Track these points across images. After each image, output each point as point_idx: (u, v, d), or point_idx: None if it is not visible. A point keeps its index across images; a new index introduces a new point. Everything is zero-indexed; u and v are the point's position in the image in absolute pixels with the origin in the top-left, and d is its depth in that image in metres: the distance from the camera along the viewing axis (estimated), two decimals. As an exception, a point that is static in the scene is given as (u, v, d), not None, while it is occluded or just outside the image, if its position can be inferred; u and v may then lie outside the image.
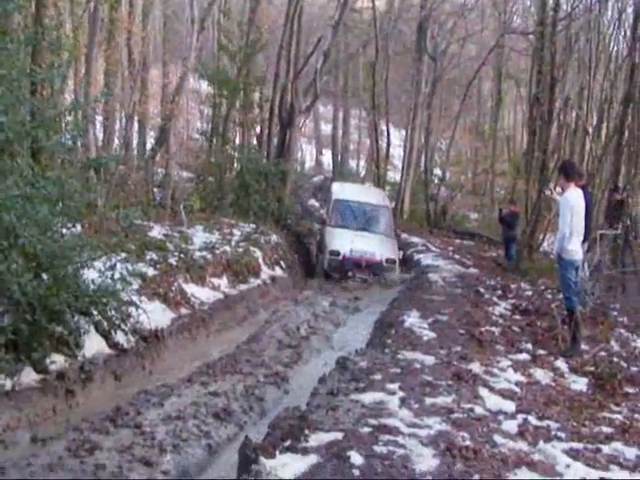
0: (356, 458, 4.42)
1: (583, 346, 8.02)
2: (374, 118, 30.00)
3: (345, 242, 15.91)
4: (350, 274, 15.54)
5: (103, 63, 20.95)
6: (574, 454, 4.89)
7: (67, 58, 16.65)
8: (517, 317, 9.74)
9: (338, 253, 15.76)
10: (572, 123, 21.21)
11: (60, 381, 6.32)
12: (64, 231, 7.54)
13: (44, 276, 6.73)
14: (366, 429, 4.97)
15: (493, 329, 8.83)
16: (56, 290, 6.68)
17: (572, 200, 7.96)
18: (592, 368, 7.17)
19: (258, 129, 24.40)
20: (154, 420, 5.71)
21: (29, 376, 6.10)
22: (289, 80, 21.07)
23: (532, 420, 5.53)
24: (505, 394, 6.17)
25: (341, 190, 19.10)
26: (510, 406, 5.83)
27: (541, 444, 4.98)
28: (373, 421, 5.14)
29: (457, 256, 17.50)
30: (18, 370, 5.98)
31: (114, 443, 5.19)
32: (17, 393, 5.84)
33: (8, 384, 5.82)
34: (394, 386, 6.02)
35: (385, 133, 31.11)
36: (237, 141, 24.94)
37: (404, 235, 21.15)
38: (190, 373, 7.34)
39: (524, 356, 7.67)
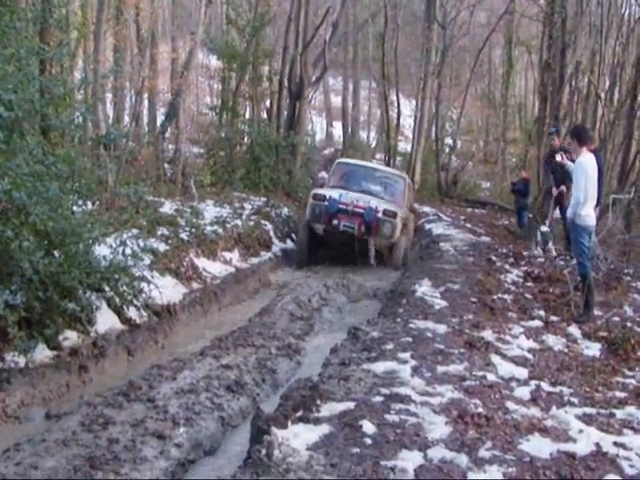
0: (368, 427, 4.45)
1: (596, 311, 7.99)
2: (384, 88, 29.74)
3: (337, 191, 13.32)
4: (335, 222, 12.66)
5: (111, 40, 20.91)
6: (587, 419, 4.89)
7: (75, 36, 16.65)
8: (529, 284, 9.69)
9: (323, 197, 12.98)
10: (584, 88, 20.94)
11: (73, 357, 6.36)
12: (75, 208, 7.58)
13: (56, 253, 6.76)
14: (378, 398, 4.99)
15: (505, 297, 8.80)
16: (68, 267, 6.70)
17: (586, 165, 7.87)
18: (605, 333, 7.15)
19: (268, 102, 24.30)
20: (167, 394, 5.74)
21: (42, 353, 6.15)
22: (298, 52, 20.90)
23: (545, 386, 5.53)
24: (517, 361, 6.17)
25: (347, 159, 17.03)
26: (522, 373, 5.83)
27: (554, 410, 4.98)
28: (385, 390, 5.16)
29: (469, 225, 17.43)
30: (31, 347, 6.02)
31: (127, 417, 5.22)
32: (31, 370, 5.89)
33: (22, 361, 5.87)
34: (406, 355, 6.03)
35: (395, 103, 30.88)
36: (247, 115, 24.89)
37: (415, 205, 21.03)
38: (202, 347, 7.36)
39: (536, 323, 7.65)
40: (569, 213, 8.07)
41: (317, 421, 4.57)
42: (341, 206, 12.71)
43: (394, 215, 12.80)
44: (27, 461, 4.47)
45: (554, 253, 11.50)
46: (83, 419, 5.14)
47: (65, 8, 13.23)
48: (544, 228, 11.80)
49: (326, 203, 12.77)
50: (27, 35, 8.09)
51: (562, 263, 10.61)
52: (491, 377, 5.64)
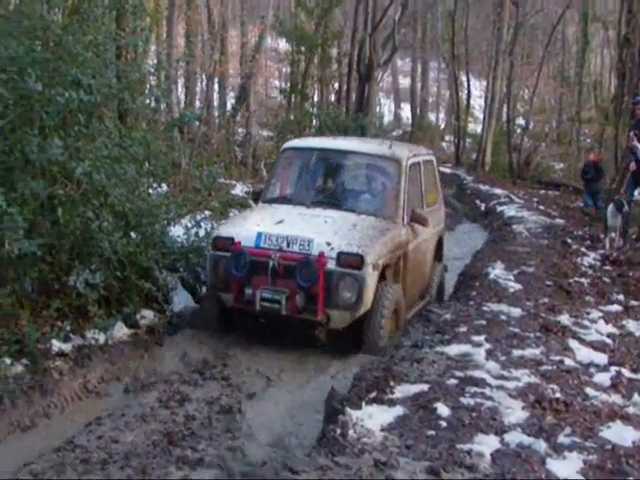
0: (443, 409, 4.41)
1: (680, 296, 7.72)
2: (454, 69, 29.31)
3: (261, 224, 6.89)
4: (248, 293, 6.47)
5: (184, 25, 21.22)
6: (671, 407, 4.73)
7: (149, 22, 16.93)
8: (607, 268, 9.41)
9: (229, 243, 6.67)
10: (665, 64, 20.13)
11: (150, 335, 6.54)
12: (151, 190, 7.78)
13: (133, 234, 6.95)
14: (452, 381, 4.93)
15: (582, 280, 8.57)
16: (144, 247, 6.91)
17: None
18: (689, 319, 6.91)
19: (336, 85, 24.27)
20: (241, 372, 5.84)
21: (121, 331, 6.33)
22: (367, 33, 20.80)
23: (625, 372, 5.35)
24: (596, 346, 6.00)
25: (298, 142, 9.30)
26: (602, 358, 5.67)
27: (636, 397, 4.83)
28: (459, 373, 5.10)
29: (542, 207, 17.01)
30: (110, 325, 6.23)
31: (203, 394, 5.35)
32: (110, 347, 6.08)
33: (102, 338, 6.07)
34: (480, 338, 5.94)
35: (465, 84, 30.39)
36: (316, 98, 24.92)
37: (486, 187, 20.68)
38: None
39: (616, 307, 7.42)
40: None
41: (391, 402, 4.56)
42: (256, 258, 6.53)
43: (359, 263, 6.42)
44: (108, 435, 4.62)
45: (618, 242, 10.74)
46: (160, 395, 5.28)
47: (140, -5, 13.42)
48: (625, 209, 10.42)
49: (230, 255, 6.62)
50: (104, 22, 8.27)
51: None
52: (569, 362, 5.50)
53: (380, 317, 6.49)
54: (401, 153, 7.80)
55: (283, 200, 7.68)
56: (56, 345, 5.69)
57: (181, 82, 21.59)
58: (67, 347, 5.77)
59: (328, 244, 6.45)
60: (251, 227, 6.81)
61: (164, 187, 8.50)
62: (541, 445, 4.00)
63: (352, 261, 6.39)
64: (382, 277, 6.75)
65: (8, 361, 5.25)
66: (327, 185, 7.94)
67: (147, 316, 6.78)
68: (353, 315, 6.47)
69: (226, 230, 6.97)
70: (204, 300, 7.22)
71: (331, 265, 6.37)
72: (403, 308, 7.01)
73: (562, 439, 4.10)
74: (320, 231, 6.65)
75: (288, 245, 6.49)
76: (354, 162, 8.01)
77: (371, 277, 6.45)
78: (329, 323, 6.49)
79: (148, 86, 8.37)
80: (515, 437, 4.10)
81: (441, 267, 8.84)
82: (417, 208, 7.58)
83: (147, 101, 8.46)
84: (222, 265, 6.70)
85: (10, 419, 4.87)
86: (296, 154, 8.30)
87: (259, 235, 6.61)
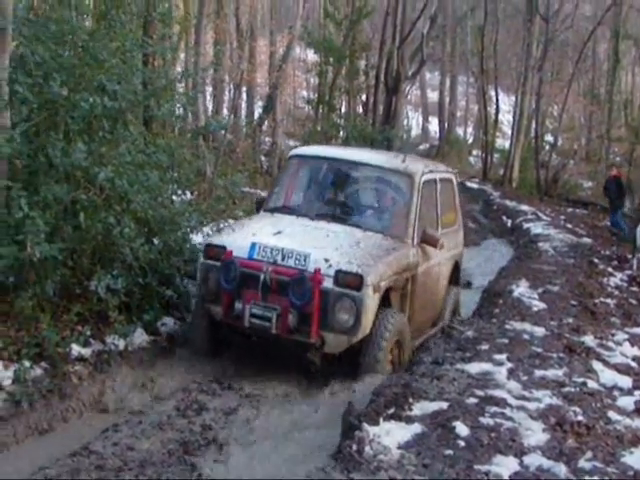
0: (462, 429, 4.34)
1: None
2: (482, 84, 29.21)
3: (257, 233, 6.45)
4: (238, 307, 6.04)
5: (212, 34, 21.37)
6: (697, 434, 4.61)
7: (177, 29, 17.09)
8: (634, 289, 9.29)
9: (221, 252, 6.24)
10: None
11: (170, 343, 6.53)
12: (174, 197, 7.78)
13: (155, 241, 6.96)
14: (472, 400, 4.86)
15: (608, 301, 8.45)
16: (166, 254, 6.91)
17: None
18: None
19: (364, 97, 24.29)
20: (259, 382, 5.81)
21: (141, 337, 6.31)
22: (395, 46, 20.84)
23: (650, 397, 5.27)
24: (621, 369, 5.90)
25: (308, 149, 9.15)
26: (626, 382, 5.57)
27: (660, 422, 4.73)
28: (479, 392, 5.02)
29: (569, 225, 16.85)
30: (131, 331, 6.22)
31: (220, 405, 5.32)
32: (130, 353, 6.07)
33: (121, 344, 6.05)
34: (502, 357, 5.85)
35: (494, 99, 30.29)
36: (343, 109, 24.94)
37: (512, 203, 20.54)
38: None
39: (642, 330, 7.33)
40: None
41: (409, 419, 4.50)
42: (247, 269, 6.11)
43: (358, 283, 5.91)
44: (124, 442, 4.61)
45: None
46: (178, 404, 5.27)
47: (168, 2, 13.55)
48: None
49: (219, 265, 6.20)
50: (132, 28, 8.33)
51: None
52: (592, 384, 5.40)
53: (378, 348, 5.97)
54: (415, 168, 7.25)
55: (286, 210, 7.20)
56: (76, 349, 5.68)
57: (209, 90, 21.77)
58: (87, 352, 5.76)
59: (326, 260, 5.97)
60: (246, 236, 6.36)
61: (188, 195, 8.50)
62: (561, 469, 3.92)
63: (351, 281, 5.89)
64: (387, 301, 6.28)
65: (27, 364, 5.25)
66: (334, 197, 7.30)
67: (167, 323, 6.77)
68: (350, 340, 5.94)
69: (219, 238, 6.58)
70: (194, 312, 6.77)
71: (328, 283, 5.87)
72: (407, 340, 6.43)
73: (583, 463, 4.02)
74: (319, 246, 6.19)
75: (283, 258, 6.04)
76: (364, 174, 7.42)
77: (371, 300, 5.93)
78: (324, 347, 5.96)
79: (175, 94, 8.39)
80: (535, 460, 4.03)
81: (456, 293, 8.26)
82: (430, 228, 7.01)
83: (173, 108, 8.48)
84: (212, 275, 6.28)
85: (28, 422, 4.87)
86: (304, 162, 7.76)
87: (253, 245, 6.19)
